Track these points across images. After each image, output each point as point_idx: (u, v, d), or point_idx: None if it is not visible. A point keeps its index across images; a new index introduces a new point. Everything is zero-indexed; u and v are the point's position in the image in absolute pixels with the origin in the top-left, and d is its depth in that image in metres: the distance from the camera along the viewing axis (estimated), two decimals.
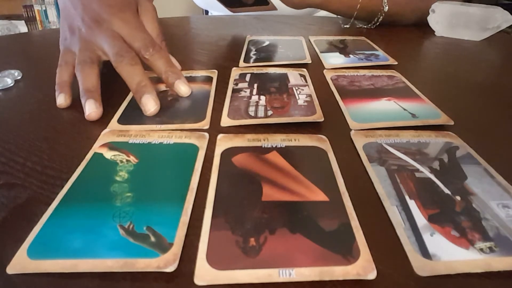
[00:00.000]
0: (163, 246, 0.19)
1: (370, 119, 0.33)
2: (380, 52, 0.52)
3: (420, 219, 0.21)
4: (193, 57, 0.52)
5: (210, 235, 0.20)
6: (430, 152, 0.28)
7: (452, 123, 0.32)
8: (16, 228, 0.21)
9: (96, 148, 0.29)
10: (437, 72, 0.48)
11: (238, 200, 0.23)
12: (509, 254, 0.19)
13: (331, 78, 0.42)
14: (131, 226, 0.21)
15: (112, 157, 0.27)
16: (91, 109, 0.33)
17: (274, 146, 0.28)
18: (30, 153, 0.28)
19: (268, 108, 0.34)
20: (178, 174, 0.25)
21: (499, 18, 0.57)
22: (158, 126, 0.32)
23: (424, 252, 0.19)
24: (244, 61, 0.48)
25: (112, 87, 0.37)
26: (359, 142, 0.29)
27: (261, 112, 0.34)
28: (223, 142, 0.29)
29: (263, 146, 0.28)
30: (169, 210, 0.22)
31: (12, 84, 0.41)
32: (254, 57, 0.50)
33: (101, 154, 0.28)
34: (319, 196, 0.23)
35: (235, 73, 0.44)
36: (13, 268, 0.18)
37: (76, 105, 0.35)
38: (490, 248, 0.20)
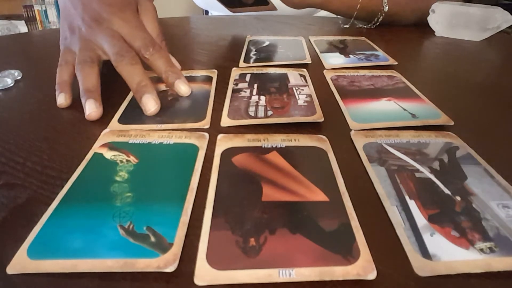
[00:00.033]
0: (163, 246, 0.19)
1: (370, 119, 0.33)
2: (380, 52, 0.52)
3: (420, 219, 0.21)
4: (193, 57, 0.52)
5: (210, 235, 0.20)
6: (430, 152, 0.28)
7: (452, 123, 0.32)
8: (16, 228, 0.21)
9: (96, 148, 0.29)
10: (437, 72, 0.48)
11: (238, 200, 0.23)
12: (509, 254, 0.19)
13: (331, 78, 0.42)
14: (131, 226, 0.21)
15: (112, 157, 0.27)
16: (91, 109, 0.33)
17: (274, 146, 0.28)
18: (30, 153, 0.28)
19: (268, 108, 0.34)
20: (178, 174, 0.25)
21: (499, 18, 0.57)
22: (159, 126, 0.32)
23: (424, 252, 0.19)
24: (244, 61, 0.48)
25: (112, 87, 0.38)
26: (359, 142, 0.29)
27: (261, 112, 0.34)
28: (223, 142, 0.29)
29: (263, 146, 0.28)
30: (169, 210, 0.22)
31: (12, 84, 0.41)
32: (254, 57, 0.50)
33: (101, 154, 0.28)
34: (319, 196, 0.23)
35: (235, 73, 0.44)
36: (13, 268, 0.18)
37: (76, 105, 0.35)
38: (490, 248, 0.20)
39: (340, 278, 0.18)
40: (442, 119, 0.33)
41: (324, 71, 0.45)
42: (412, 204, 0.23)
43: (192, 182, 0.25)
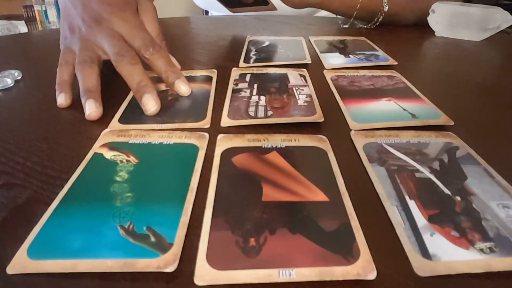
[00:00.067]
0: (163, 246, 0.19)
1: (370, 119, 0.33)
2: (380, 52, 0.52)
3: (420, 219, 0.21)
4: (193, 57, 0.52)
5: (210, 235, 0.20)
6: (430, 152, 0.28)
7: (452, 123, 0.32)
8: (16, 228, 0.21)
9: (96, 148, 0.29)
10: (437, 72, 0.48)
11: (238, 200, 0.23)
12: (509, 254, 0.19)
13: (331, 78, 0.42)
14: (131, 226, 0.21)
15: (112, 157, 0.27)
16: (91, 109, 0.33)
17: (274, 146, 0.28)
18: (30, 153, 0.28)
19: (268, 108, 0.34)
20: (178, 174, 0.25)
21: (499, 19, 0.57)
22: (159, 126, 0.32)
23: (424, 252, 0.19)
24: (244, 61, 0.48)
25: (112, 87, 0.38)
26: (359, 142, 0.29)
27: (261, 112, 0.34)
28: (223, 142, 0.29)
29: (263, 146, 0.28)
30: (169, 210, 0.22)
31: (12, 84, 0.41)
32: (254, 57, 0.50)
33: (101, 154, 0.28)
34: (319, 196, 0.23)
35: (235, 73, 0.44)
36: (13, 268, 0.18)
37: (76, 105, 0.35)
38: (490, 248, 0.20)
39: (340, 278, 0.18)
40: (442, 119, 0.33)
41: (324, 71, 0.45)
42: (412, 204, 0.23)
43: (192, 182, 0.25)
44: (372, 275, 0.18)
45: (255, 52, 0.52)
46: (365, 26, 0.68)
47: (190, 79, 0.41)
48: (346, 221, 0.21)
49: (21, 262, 0.19)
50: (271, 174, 0.25)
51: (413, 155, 0.28)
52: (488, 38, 0.60)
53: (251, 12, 0.70)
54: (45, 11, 2.68)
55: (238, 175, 0.25)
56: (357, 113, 0.34)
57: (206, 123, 0.32)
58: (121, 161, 0.27)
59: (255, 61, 0.48)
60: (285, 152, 0.28)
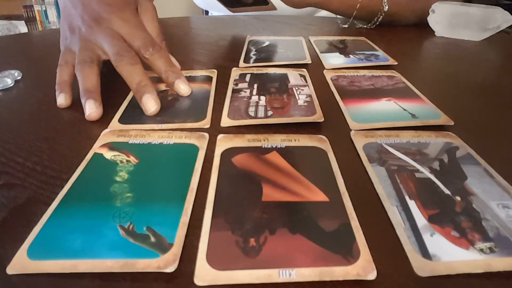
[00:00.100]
0: (163, 247, 0.19)
1: (370, 119, 0.33)
2: (380, 52, 0.52)
3: (420, 219, 0.21)
4: (193, 57, 0.52)
5: (210, 235, 0.20)
6: (430, 152, 0.28)
7: (452, 123, 0.32)
8: (16, 228, 0.21)
9: (96, 148, 0.29)
10: (437, 72, 0.48)
11: (238, 200, 0.23)
12: (509, 254, 0.19)
13: (331, 78, 0.42)
14: (131, 227, 0.21)
15: (112, 157, 0.27)
16: (91, 109, 0.33)
17: (274, 146, 0.28)
18: (30, 153, 0.28)
19: (268, 108, 0.34)
20: (178, 174, 0.25)
21: (499, 18, 0.57)
22: (159, 126, 0.32)
23: (424, 252, 0.19)
24: (244, 61, 0.48)
25: (112, 87, 0.38)
26: (359, 142, 0.29)
27: (261, 112, 0.34)
28: (223, 142, 0.29)
29: (263, 147, 0.28)
30: (169, 210, 0.22)
31: (12, 84, 0.41)
32: (254, 57, 0.50)
33: (101, 154, 0.28)
34: (319, 196, 0.23)
35: (235, 73, 0.44)
36: (13, 268, 0.18)
37: (76, 105, 0.35)
38: (490, 248, 0.20)
39: (340, 278, 0.18)
40: (442, 119, 0.33)
41: (324, 71, 0.45)
42: (412, 204, 0.23)
43: (192, 182, 0.25)
44: (372, 275, 0.18)
45: (255, 52, 0.52)
46: (365, 26, 0.68)
47: (190, 79, 0.41)
48: (346, 221, 0.21)
49: (21, 262, 0.19)
50: (271, 174, 0.25)
51: (413, 155, 0.28)
52: (488, 38, 0.60)
53: (251, 12, 0.70)
54: (45, 11, 2.68)
55: (238, 175, 0.25)
56: (357, 113, 0.34)
57: (206, 123, 0.32)
58: (121, 161, 0.27)
59: (255, 61, 0.48)
60: (285, 152, 0.28)
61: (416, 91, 0.39)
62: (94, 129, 0.32)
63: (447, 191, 0.24)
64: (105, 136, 0.30)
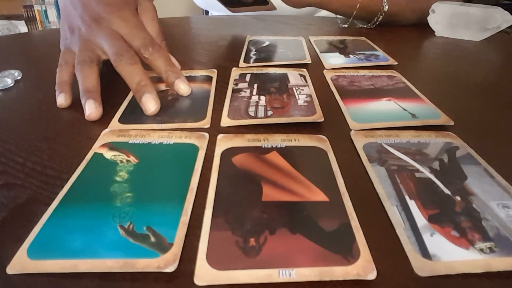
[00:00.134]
0: (163, 246, 0.19)
1: (370, 119, 0.33)
2: (380, 52, 0.52)
3: (420, 219, 0.21)
4: (193, 57, 0.52)
5: (210, 235, 0.20)
6: (430, 152, 0.28)
7: (452, 123, 0.32)
8: (16, 228, 0.21)
9: (96, 148, 0.29)
10: (437, 72, 0.48)
11: (238, 200, 0.23)
12: (509, 254, 0.19)
13: (331, 78, 0.42)
14: (131, 226, 0.21)
15: (112, 157, 0.27)
16: (91, 109, 0.33)
17: (274, 146, 0.28)
18: (30, 153, 0.28)
19: (268, 108, 0.34)
20: (178, 174, 0.25)
21: (499, 19, 0.57)
22: (159, 125, 0.32)
23: (424, 252, 0.19)
24: (244, 61, 0.48)
25: (112, 87, 0.38)
26: (359, 142, 0.29)
27: (261, 112, 0.34)
28: (223, 142, 0.29)
29: (263, 146, 0.28)
30: (169, 210, 0.22)
31: (12, 84, 0.41)
32: (254, 57, 0.50)
33: (101, 154, 0.28)
34: (319, 196, 0.23)
35: (235, 73, 0.44)
36: (13, 268, 0.18)
37: (76, 105, 0.35)
38: (490, 248, 0.20)
39: (340, 278, 0.18)
40: (442, 119, 0.33)
41: (324, 71, 0.45)
42: (412, 204, 0.23)
43: (192, 182, 0.25)
44: (372, 275, 0.18)
45: (255, 52, 0.52)
46: (365, 26, 0.68)
47: (190, 79, 0.41)
48: (346, 221, 0.21)
49: (21, 262, 0.19)
50: (271, 174, 0.25)
51: (413, 155, 0.28)
52: (488, 38, 0.60)
53: (251, 12, 0.70)
54: (45, 11, 2.68)
55: (238, 175, 0.25)
56: (357, 113, 0.34)
57: (206, 123, 0.32)
58: (121, 161, 0.27)
59: (255, 61, 0.48)
60: (285, 152, 0.28)
61: (416, 91, 0.39)
62: (94, 129, 0.32)
63: (447, 191, 0.24)
64: (105, 136, 0.30)
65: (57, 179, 0.25)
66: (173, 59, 0.42)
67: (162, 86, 0.39)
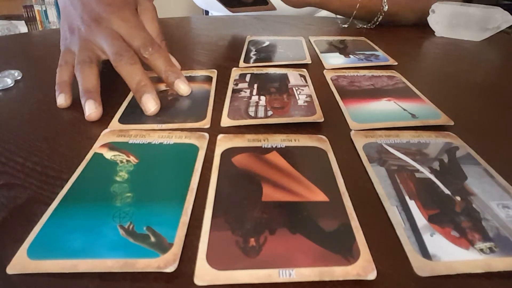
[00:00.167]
0: (163, 246, 0.19)
1: (370, 119, 0.33)
2: (380, 53, 0.52)
3: (420, 220, 0.21)
4: (193, 57, 0.52)
5: (210, 235, 0.20)
6: (430, 152, 0.28)
7: (452, 123, 0.32)
8: (16, 228, 0.21)
9: (96, 148, 0.29)
10: (437, 72, 0.48)
11: (238, 200, 0.23)
12: (509, 254, 0.19)
13: (331, 79, 0.42)
14: (131, 226, 0.21)
15: (112, 157, 0.27)
16: (91, 109, 0.33)
17: (274, 146, 0.28)
18: (30, 153, 0.28)
19: (268, 108, 0.34)
20: (178, 174, 0.25)
21: (499, 19, 0.57)
22: (159, 126, 0.32)
23: (424, 252, 0.19)
24: (244, 61, 0.48)
25: (112, 87, 0.37)
26: (359, 142, 0.29)
27: (261, 112, 0.34)
28: (223, 142, 0.29)
29: (263, 146, 0.28)
30: (169, 210, 0.22)
31: (12, 84, 0.41)
32: (254, 57, 0.50)
33: (101, 154, 0.28)
34: (319, 196, 0.23)
35: (235, 73, 0.44)
36: (13, 268, 0.18)
37: (76, 105, 0.35)
38: (490, 248, 0.20)
39: (340, 278, 0.18)
40: (442, 119, 0.33)
41: (324, 71, 0.45)
42: (412, 204, 0.23)
43: (192, 182, 0.25)
44: (372, 275, 0.18)
45: (255, 52, 0.52)
46: (365, 26, 0.68)
47: (190, 79, 0.41)
48: (346, 221, 0.21)
49: (21, 262, 0.19)
50: (271, 174, 0.25)
51: (413, 155, 0.28)
52: (488, 38, 0.60)
53: (251, 12, 0.70)
54: (45, 11, 2.69)
55: (238, 175, 0.25)
56: (357, 113, 0.34)
57: (206, 123, 0.32)
58: (121, 161, 0.27)
59: (255, 61, 0.48)
60: (285, 152, 0.28)
61: (416, 91, 0.39)
62: (94, 129, 0.32)
63: (447, 191, 0.24)
64: (105, 136, 0.30)
65: (57, 179, 0.25)
66: (173, 59, 0.42)
67: (162, 86, 0.39)
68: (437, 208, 0.22)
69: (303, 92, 0.38)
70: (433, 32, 0.63)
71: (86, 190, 0.24)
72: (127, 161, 0.27)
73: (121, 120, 0.33)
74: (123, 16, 0.38)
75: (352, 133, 0.31)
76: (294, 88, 0.39)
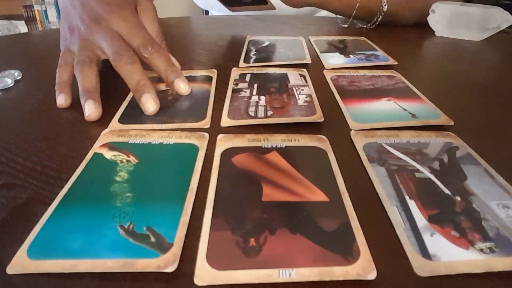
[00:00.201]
0: (163, 246, 0.19)
1: (370, 119, 0.33)
2: (380, 52, 0.52)
3: (420, 219, 0.21)
4: (193, 57, 0.52)
5: (210, 235, 0.20)
6: (430, 152, 0.28)
7: (452, 123, 0.32)
8: (16, 228, 0.21)
9: (96, 148, 0.29)
10: (437, 72, 0.48)
11: (238, 200, 0.23)
12: (509, 254, 0.19)
13: (331, 78, 0.42)
14: (131, 226, 0.21)
15: (112, 157, 0.27)
16: (91, 109, 0.33)
17: (274, 146, 0.28)
18: (30, 153, 0.28)
19: (268, 108, 0.34)
20: (178, 174, 0.25)
21: (499, 18, 0.57)
22: (159, 126, 0.32)
23: (424, 252, 0.19)
24: (244, 61, 0.48)
25: (112, 87, 0.37)
26: (359, 142, 0.29)
27: (261, 112, 0.34)
28: (223, 142, 0.29)
29: (263, 146, 0.28)
30: (169, 210, 0.22)
31: (12, 84, 0.41)
32: (254, 57, 0.50)
33: (101, 154, 0.28)
34: (319, 196, 0.23)
35: (235, 73, 0.44)
36: (13, 268, 0.18)
37: (76, 105, 0.35)
38: (490, 248, 0.20)
39: (340, 278, 0.18)
40: (442, 119, 0.33)
41: (324, 71, 0.45)
42: (412, 204, 0.23)
43: (192, 182, 0.25)
44: (372, 275, 0.18)
45: (255, 52, 0.52)
46: (364, 26, 0.68)
47: (190, 79, 0.41)
48: (346, 221, 0.21)
49: (21, 262, 0.19)
50: (271, 174, 0.25)
51: (413, 155, 0.28)
52: (488, 38, 0.60)
53: (250, 11, 0.70)
54: (45, 11, 2.69)
55: (238, 175, 0.25)
56: (357, 113, 0.34)
57: (206, 123, 0.32)
58: (121, 161, 0.27)
59: (255, 61, 0.48)
60: (285, 152, 0.28)
61: (416, 91, 0.39)
62: (94, 129, 0.32)
63: (447, 191, 0.24)
64: (105, 136, 0.30)
65: (57, 179, 0.25)
66: (173, 59, 0.42)
67: (162, 86, 0.39)
68: (437, 208, 0.22)
69: (303, 92, 0.38)
70: (433, 32, 0.63)
71: (86, 190, 0.24)
72: (127, 161, 0.27)
73: (121, 120, 0.33)
74: (123, 16, 0.38)
75: (352, 133, 0.31)
76: (294, 88, 0.39)
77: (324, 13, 0.82)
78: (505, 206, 0.23)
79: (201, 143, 0.29)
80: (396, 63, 0.47)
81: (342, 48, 0.54)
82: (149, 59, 0.37)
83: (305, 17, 0.79)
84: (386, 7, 0.64)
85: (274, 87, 0.39)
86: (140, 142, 0.29)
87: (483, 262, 0.19)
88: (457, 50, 0.56)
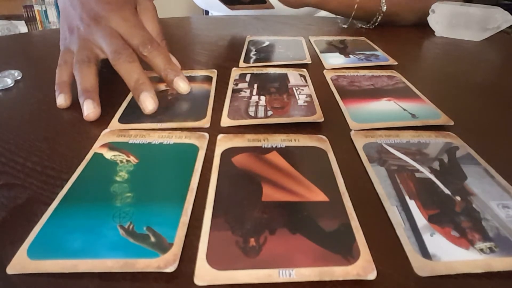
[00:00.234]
0: (163, 246, 0.19)
1: (370, 119, 0.33)
2: (380, 52, 0.52)
3: (420, 219, 0.21)
4: (193, 57, 0.52)
5: (210, 235, 0.20)
6: (430, 152, 0.28)
7: (452, 123, 0.32)
8: (16, 228, 0.21)
9: (96, 148, 0.29)
10: (437, 72, 0.48)
11: (238, 200, 0.23)
12: (509, 254, 0.19)
13: (331, 78, 0.42)
14: (131, 226, 0.21)
15: (112, 157, 0.27)
16: (89, 109, 0.33)
17: (274, 146, 0.28)
18: (30, 153, 0.28)
19: (268, 108, 0.34)
20: (178, 174, 0.25)
21: (499, 19, 0.57)
22: (159, 125, 0.32)
23: (424, 252, 0.19)
24: (244, 61, 0.48)
25: (112, 87, 0.37)
26: (359, 142, 0.29)
27: (261, 112, 0.34)
28: (223, 142, 0.29)
29: (263, 146, 0.28)
30: (169, 210, 0.22)
31: (12, 84, 0.41)
32: (254, 57, 0.50)
33: (101, 154, 0.28)
34: (319, 196, 0.23)
35: (235, 73, 0.44)
36: (13, 268, 0.18)
37: (76, 105, 0.35)
38: (490, 248, 0.20)
39: (340, 278, 0.18)
40: (442, 119, 0.33)
41: (324, 71, 0.45)
42: (412, 204, 0.23)
43: (192, 182, 0.25)
44: (372, 275, 0.18)
45: (255, 52, 0.52)
46: (364, 26, 0.68)
47: (190, 79, 0.41)
48: (346, 221, 0.21)
49: (21, 262, 0.19)
50: (271, 174, 0.25)
51: (413, 155, 0.28)
52: (488, 38, 0.60)
53: (249, 10, 0.70)
54: (45, 11, 2.69)
55: (238, 175, 0.25)
56: (357, 113, 0.34)
57: (206, 123, 0.32)
58: (121, 161, 0.27)
59: (255, 61, 0.48)
60: (285, 152, 0.28)
61: (416, 91, 0.39)
62: (94, 129, 0.32)
63: (447, 191, 0.24)
64: (105, 136, 0.30)
65: (57, 179, 0.25)
66: (173, 59, 0.42)
67: (162, 86, 0.39)
68: (437, 208, 0.22)
69: (303, 92, 0.38)
70: (433, 32, 0.63)
71: (86, 190, 0.24)
72: (127, 161, 0.27)
73: (121, 120, 0.33)
74: (122, 15, 0.38)
75: (352, 133, 0.31)
76: (294, 88, 0.39)
77: (324, 13, 0.82)
78: (505, 206, 0.23)
79: (201, 143, 0.29)
80: (396, 63, 0.47)
81: (342, 48, 0.54)
82: (148, 58, 0.37)
83: (305, 17, 0.79)
84: (385, 7, 0.64)
85: (274, 87, 0.39)
86: (140, 142, 0.29)
87: (483, 262, 0.19)
88: (457, 50, 0.56)
